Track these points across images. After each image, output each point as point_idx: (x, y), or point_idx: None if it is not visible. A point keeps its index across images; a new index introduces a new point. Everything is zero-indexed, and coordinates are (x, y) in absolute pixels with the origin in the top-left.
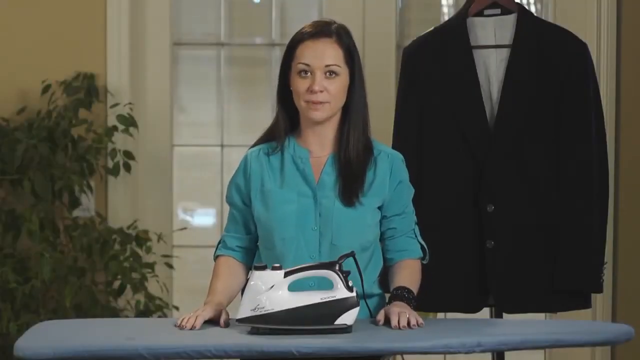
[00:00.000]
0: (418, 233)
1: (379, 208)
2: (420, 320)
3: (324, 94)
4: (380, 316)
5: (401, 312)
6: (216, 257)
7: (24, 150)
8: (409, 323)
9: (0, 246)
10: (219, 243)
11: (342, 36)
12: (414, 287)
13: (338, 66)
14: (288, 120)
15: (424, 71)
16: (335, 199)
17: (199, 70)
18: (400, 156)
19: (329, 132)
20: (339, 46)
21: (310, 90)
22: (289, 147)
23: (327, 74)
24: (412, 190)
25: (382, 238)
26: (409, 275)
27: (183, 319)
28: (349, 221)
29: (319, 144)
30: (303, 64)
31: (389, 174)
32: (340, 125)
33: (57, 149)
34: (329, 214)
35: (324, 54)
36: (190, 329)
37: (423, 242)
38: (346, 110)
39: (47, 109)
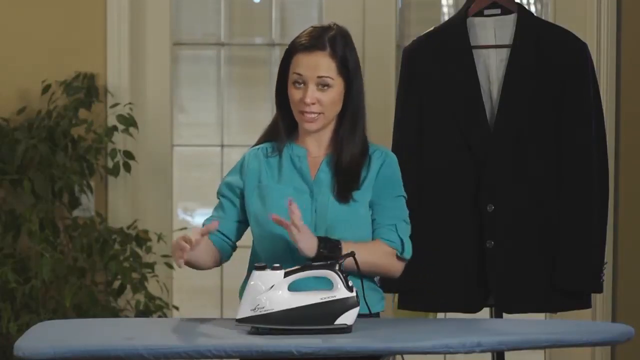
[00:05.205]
0: (402, 230)
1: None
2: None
3: (317, 106)
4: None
5: (303, 236)
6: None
7: (24, 150)
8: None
9: (0, 246)
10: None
11: (336, 46)
12: (359, 252)
13: (331, 78)
14: (287, 123)
15: (424, 71)
16: (330, 196)
17: (199, 70)
18: (394, 156)
19: (326, 135)
20: (332, 58)
21: (303, 102)
22: (287, 147)
23: (320, 85)
24: (401, 191)
25: None
26: (364, 244)
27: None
28: (343, 217)
29: (316, 145)
30: (297, 73)
31: (379, 168)
32: (336, 128)
33: (57, 149)
34: (324, 209)
35: (317, 66)
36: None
37: (404, 238)
38: (343, 114)
39: (47, 109)
